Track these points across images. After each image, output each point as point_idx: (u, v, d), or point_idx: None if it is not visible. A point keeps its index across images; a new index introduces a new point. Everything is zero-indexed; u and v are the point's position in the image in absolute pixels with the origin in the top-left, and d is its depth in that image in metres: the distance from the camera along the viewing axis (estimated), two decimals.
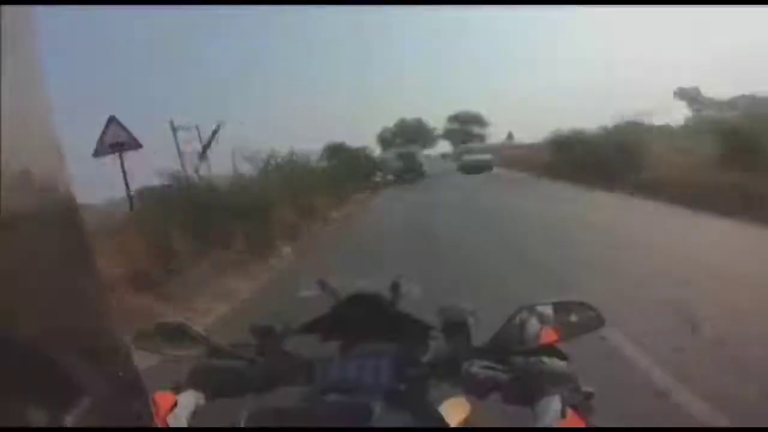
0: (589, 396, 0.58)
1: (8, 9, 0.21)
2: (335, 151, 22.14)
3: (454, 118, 48.45)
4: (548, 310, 0.67)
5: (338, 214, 11.62)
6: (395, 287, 0.82)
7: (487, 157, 23.42)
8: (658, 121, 13.01)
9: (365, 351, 0.73)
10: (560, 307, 0.68)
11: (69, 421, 0.23)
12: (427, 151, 38.50)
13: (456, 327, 0.71)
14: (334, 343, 0.80)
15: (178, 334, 0.73)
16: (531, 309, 0.67)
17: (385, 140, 43.06)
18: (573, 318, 0.67)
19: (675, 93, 25.56)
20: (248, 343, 0.77)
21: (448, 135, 49.34)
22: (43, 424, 0.22)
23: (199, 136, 12.42)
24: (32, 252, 0.23)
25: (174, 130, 12.27)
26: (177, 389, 0.66)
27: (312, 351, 0.77)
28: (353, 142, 23.09)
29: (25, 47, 0.22)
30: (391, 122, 45.55)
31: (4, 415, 0.21)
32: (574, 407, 0.54)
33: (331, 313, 0.81)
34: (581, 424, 0.52)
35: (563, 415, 0.52)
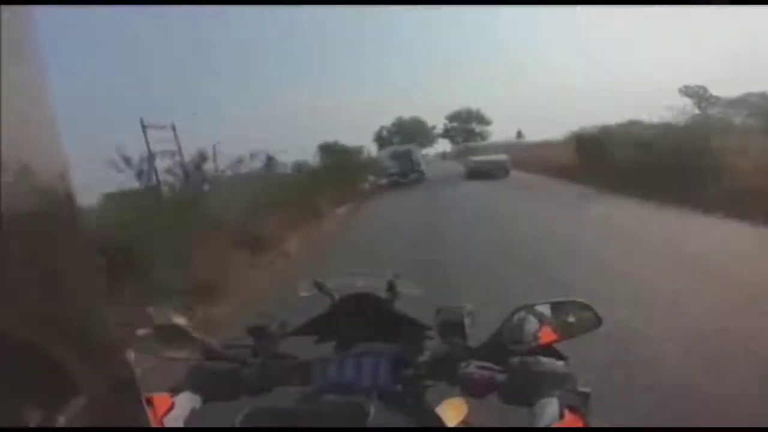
0: (586, 397, 0.60)
1: (8, 9, 0.22)
2: (328, 151, 21.98)
3: (455, 116, 49.27)
4: (546, 310, 0.72)
5: (295, 243, 7.89)
6: (391, 286, 0.88)
7: (501, 157, 18.31)
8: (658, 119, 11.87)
9: (361, 351, 0.78)
10: (558, 307, 0.72)
11: (63, 420, 0.24)
12: (425, 150, 38.93)
13: (452, 327, 0.77)
14: (330, 344, 0.85)
15: (174, 335, 0.78)
16: (529, 308, 0.72)
17: (382, 140, 43.59)
18: (571, 318, 0.72)
19: (680, 91, 25.64)
20: (244, 344, 0.82)
21: (447, 134, 49.98)
22: (37, 422, 0.23)
23: (175, 135, 12.56)
24: (30, 251, 0.24)
25: (144, 128, 12.30)
26: (173, 391, 0.70)
27: (308, 352, 0.82)
28: (348, 141, 22.68)
29: (27, 48, 0.24)
30: (388, 121, 46.39)
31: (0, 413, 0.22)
32: (572, 408, 0.57)
33: (327, 313, 0.87)
34: (579, 425, 0.55)
35: (561, 416, 0.56)
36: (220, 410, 0.70)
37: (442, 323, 0.78)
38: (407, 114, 48.18)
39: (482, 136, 47.29)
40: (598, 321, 0.72)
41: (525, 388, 0.63)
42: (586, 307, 0.73)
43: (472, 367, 0.69)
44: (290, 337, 0.85)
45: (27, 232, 0.24)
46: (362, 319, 0.85)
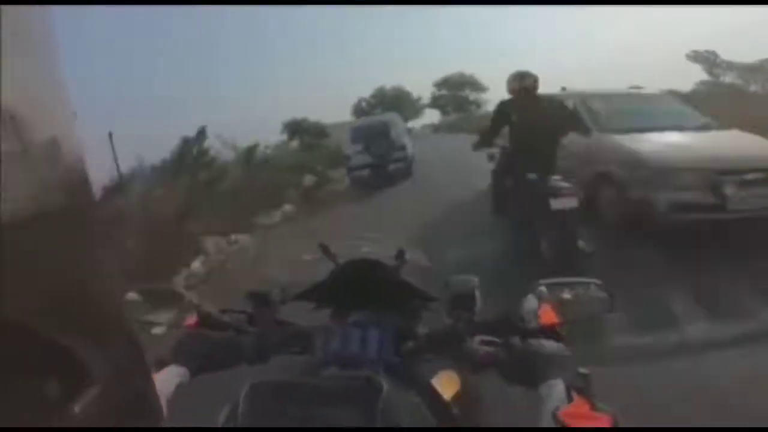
0: (586, 378, 0.62)
1: (26, 9, 0.23)
2: (297, 129, 20.00)
3: (444, 83, 47.53)
4: (555, 290, 0.75)
5: None
6: (400, 254, 0.90)
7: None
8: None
9: (363, 321, 0.78)
10: (567, 287, 0.75)
11: (77, 409, 0.25)
12: (411, 123, 35.83)
13: (462, 300, 0.79)
14: (328, 311, 0.86)
15: (167, 299, 0.78)
16: (537, 289, 0.75)
17: (361, 113, 40.45)
18: (580, 298, 0.75)
19: (688, 57, 24.84)
20: (240, 310, 0.82)
21: (436, 103, 48.12)
22: (51, 411, 0.24)
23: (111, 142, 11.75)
24: (40, 239, 0.25)
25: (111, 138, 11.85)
26: (158, 365, 0.69)
27: (306, 319, 0.82)
28: (324, 117, 19.39)
29: (41, 46, 0.25)
30: (367, 92, 44.51)
31: (13, 403, 0.23)
32: (579, 390, 0.59)
33: (329, 279, 0.86)
34: (586, 407, 0.57)
35: (569, 399, 0.58)
36: (211, 386, 0.69)
37: (452, 296, 0.80)
38: (389, 84, 46.65)
39: (477, 104, 45.78)
40: (610, 305, 0.75)
41: (526, 368, 0.65)
42: (601, 288, 0.75)
43: (476, 343, 0.72)
44: (287, 304, 0.84)
45: (37, 218, 0.24)
46: (365, 286, 0.84)
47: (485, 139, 4.00)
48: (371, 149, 10.99)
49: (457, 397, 0.88)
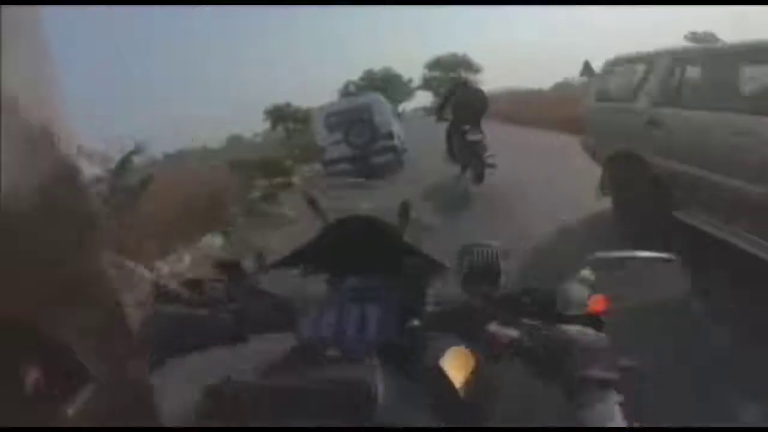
0: (629, 370, 0.55)
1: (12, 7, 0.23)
2: (280, 116, 19.49)
3: (436, 64, 45.77)
4: (607, 266, 0.65)
5: None
6: (404, 209, 0.78)
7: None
8: None
9: (358, 293, 0.69)
10: (624, 262, 0.66)
11: (71, 411, 0.25)
12: (401, 105, 34.18)
13: (485, 274, 0.68)
14: (318, 278, 0.77)
15: (118, 275, 0.66)
16: (581, 272, 0.64)
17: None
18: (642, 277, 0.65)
19: (686, 37, 25.14)
20: (215, 279, 0.74)
21: (428, 85, 46.52)
22: (45, 414, 0.24)
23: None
24: (36, 232, 0.25)
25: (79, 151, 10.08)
26: None
27: (290, 287, 0.74)
28: (309, 103, 17.82)
29: (32, 38, 0.25)
30: (355, 75, 42.80)
31: (9, 406, 0.23)
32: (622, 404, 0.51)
33: (317, 240, 0.77)
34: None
35: (618, 419, 0.50)
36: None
37: (470, 268, 0.69)
38: (378, 66, 44.78)
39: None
40: (688, 286, 0.65)
41: (557, 362, 0.56)
42: (674, 264, 0.65)
43: (495, 326, 0.62)
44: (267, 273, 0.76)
45: (30, 213, 0.24)
46: (359, 249, 0.73)
47: (441, 111, 7.00)
48: (350, 138, 9.02)
49: (470, 380, 0.67)
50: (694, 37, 25.53)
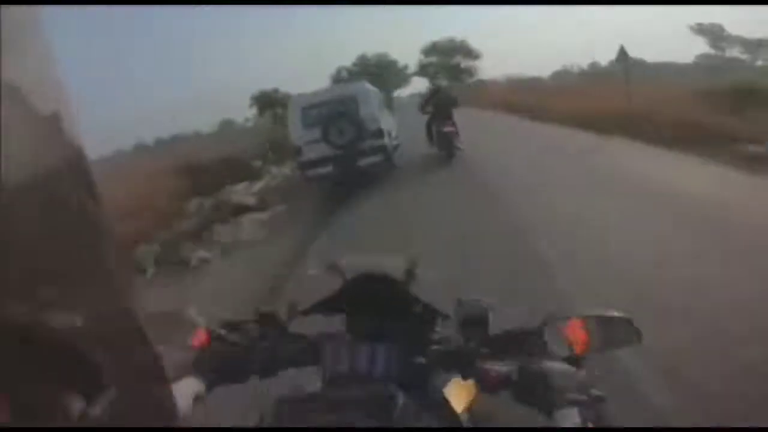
0: (600, 400, 0.64)
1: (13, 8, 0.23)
2: (267, 102, 18.22)
3: (432, 49, 44.63)
4: (588, 323, 0.76)
5: None
6: (411, 270, 0.91)
7: None
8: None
9: (373, 335, 0.81)
10: (599, 321, 0.77)
11: (95, 411, 0.25)
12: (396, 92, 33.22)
13: (475, 322, 0.81)
14: (338, 320, 0.89)
15: (175, 321, 0.83)
16: (561, 320, 0.77)
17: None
18: (609, 332, 0.77)
19: (692, 29, 24.55)
20: (249, 320, 0.88)
21: (424, 71, 45.37)
22: (70, 415, 0.25)
23: None
24: (43, 231, 0.24)
25: None
26: (175, 377, 0.71)
27: (316, 329, 0.87)
28: (299, 89, 17.51)
29: (33, 42, 0.25)
30: (348, 60, 41.49)
31: (29, 406, 0.23)
32: (595, 421, 0.60)
33: (338, 294, 0.89)
34: None
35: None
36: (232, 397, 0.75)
37: (465, 317, 0.82)
38: (372, 51, 43.52)
39: (470, 72, 43.23)
40: (638, 337, 0.77)
41: (539, 393, 0.66)
42: (628, 323, 0.77)
43: (488, 363, 0.74)
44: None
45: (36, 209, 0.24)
46: (374, 301, 0.86)
47: (424, 107, 9.13)
48: (331, 137, 7.61)
49: (470, 407, 0.87)
50: (700, 28, 24.96)
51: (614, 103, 10.18)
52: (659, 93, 10.50)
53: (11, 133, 0.22)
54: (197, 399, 0.72)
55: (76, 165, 0.27)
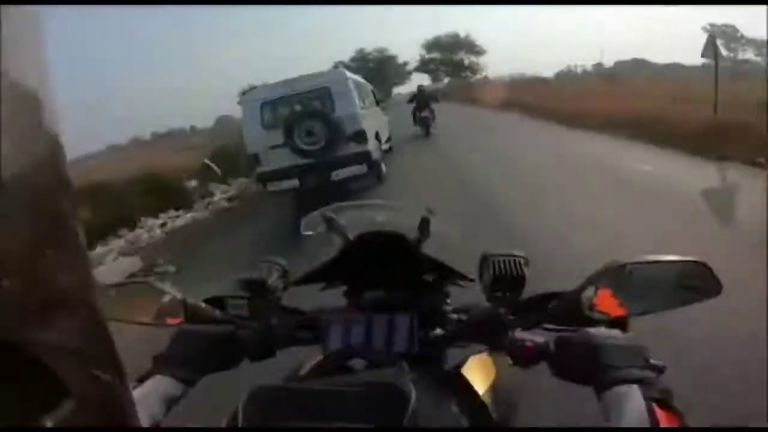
0: (659, 371, 0.55)
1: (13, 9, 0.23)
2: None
3: (435, 44, 43.33)
4: (642, 272, 0.64)
5: None
6: (424, 224, 0.78)
7: None
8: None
9: (382, 306, 0.73)
10: (662, 267, 0.66)
11: (51, 421, 0.24)
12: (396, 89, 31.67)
13: (509, 282, 0.68)
14: (340, 293, 0.81)
15: (144, 294, 0.74)
16: (603, 275, 0.65)
17: None
18: (681, 285, 0.65)
19: (704, 29, 24.53)
20: (237, 296, 0.75)
21: (425, 67, 44.10)
22: (24, 424, 0.24)
23: None
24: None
25: None
26: (142, 379, 0.61)
27: (315, 302, 0.77)
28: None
29: (29, 45, 0.25)
30: (345, 55, 40.26)
31: None
32: (661, 403, 0.49)
33: (338, 258, 0.79)
34: (675, 424, 0.48)
35: (652, 417, 0.48)
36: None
37: (493, 276, 0.68)
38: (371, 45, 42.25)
39: (474, 69, 41.97)
40: (717, 288, 0.64)
41: (585, 365, 0.56)
42: (704, 270, 0.64)
43: (519, 332, 0.64)
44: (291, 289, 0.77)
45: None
46: (382, 263, 0.76)
47: (410, 101, 12.90)
48: (297, 140, 5.81)
49: (492, 387, 0.78)
50: (713, 29, 24.77)
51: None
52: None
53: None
54: (170, 402, 0.59)
55: (54, 163, 0.26)
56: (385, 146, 7.72)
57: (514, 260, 0.68)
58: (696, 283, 0.64)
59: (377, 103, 8.72)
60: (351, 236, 0.79)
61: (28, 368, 0.24)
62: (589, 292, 0.63)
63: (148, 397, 0.58)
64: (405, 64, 43.95)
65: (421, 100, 12.11)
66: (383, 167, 6.78)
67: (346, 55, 41.90)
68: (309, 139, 5.86)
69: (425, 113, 11.87)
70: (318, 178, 5.91)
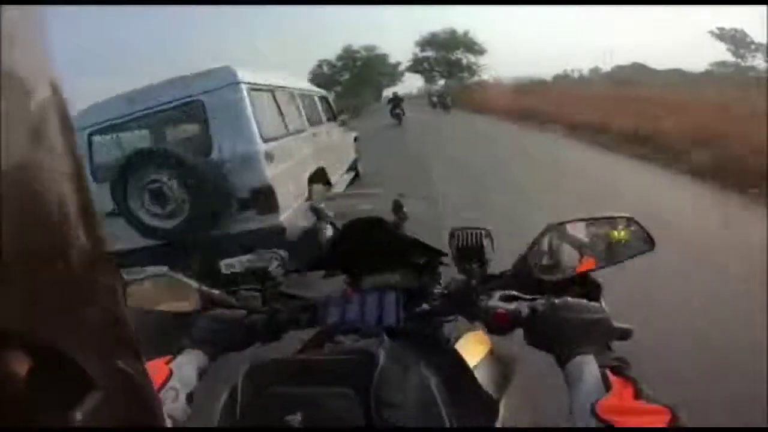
0: (626, 334, 0.60)
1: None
2: None
3: (430, 41, 40.56)
4: (581, 231, 0.71)
5: None
6: (398, 207, 0.93)
7: None
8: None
9: (372, 285, 0.81)
10: (598, 224, 0.72)
11: (79, 416, 0.25)
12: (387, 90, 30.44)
13: (470, 251, 0.76)
14: (339, 279, 0.88)
15: (168, 285, 0.80)
16: (561, 229, 0.71)
17: (323, 82, 30.77)
18: (614, 238, 0.70)
19: (712, 34, 20.00)
20: (252, 288, 0.83)
21: (419, 66, 41.32)
22: (52, 418, 0.24)
23: None
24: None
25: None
26: (173, 356, 0.68)
27: (314, 289, 0.84)
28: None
29: (30, 41, 0.24)
30: (332, 53, 37.60)
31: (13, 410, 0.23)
32: (616, 371, 0.53)
33: (331, 245, 0.89)
34: (631, 396, 0.50)
35: (606, 385, 0.51)
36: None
37: (458, 248, 0.77)
38: (358, 43, 39.50)
39: (472, 70, 39.29)
40: (650, 242, 0.70)
41: (551, 334, 0.61)
42: (633, 224, 0.71)
43: (496, 300, 0.69)
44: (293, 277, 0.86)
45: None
46: (370, 247, 0.84)
47: (388, 102, 20.63)
48: (131, 207, 3.08)
49: (487, 359, 0.87)
50: (721, 33, 23.89)
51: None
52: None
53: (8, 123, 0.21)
54: (201, 372, 0.68)
55: (68, 159, 0.25)
56: (345, 177, 5.44)
57: (475, 232, 0.77)
58: (629, 238, 0.70)
59: (335, 117, 5.97)
60: (338, 225, 0.89)
61: (52, 362, 0.23)
62: (566, 254, 0.69)
63: (187, 365, 0.66)
64: (398, 64, 41.33)
65: (396, 101, 18.93)
66: (359, 168, 6.40)
67: (331, 54, 39.49)
68: (157, 208, 3.05)
69: (398, 110, 18.34)
70: (199, 265, 2.63)
